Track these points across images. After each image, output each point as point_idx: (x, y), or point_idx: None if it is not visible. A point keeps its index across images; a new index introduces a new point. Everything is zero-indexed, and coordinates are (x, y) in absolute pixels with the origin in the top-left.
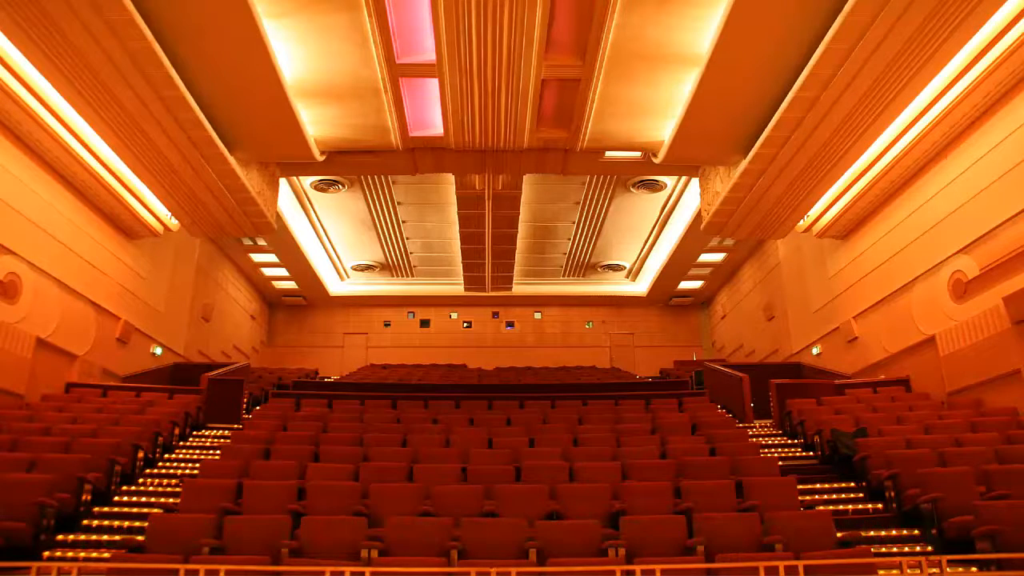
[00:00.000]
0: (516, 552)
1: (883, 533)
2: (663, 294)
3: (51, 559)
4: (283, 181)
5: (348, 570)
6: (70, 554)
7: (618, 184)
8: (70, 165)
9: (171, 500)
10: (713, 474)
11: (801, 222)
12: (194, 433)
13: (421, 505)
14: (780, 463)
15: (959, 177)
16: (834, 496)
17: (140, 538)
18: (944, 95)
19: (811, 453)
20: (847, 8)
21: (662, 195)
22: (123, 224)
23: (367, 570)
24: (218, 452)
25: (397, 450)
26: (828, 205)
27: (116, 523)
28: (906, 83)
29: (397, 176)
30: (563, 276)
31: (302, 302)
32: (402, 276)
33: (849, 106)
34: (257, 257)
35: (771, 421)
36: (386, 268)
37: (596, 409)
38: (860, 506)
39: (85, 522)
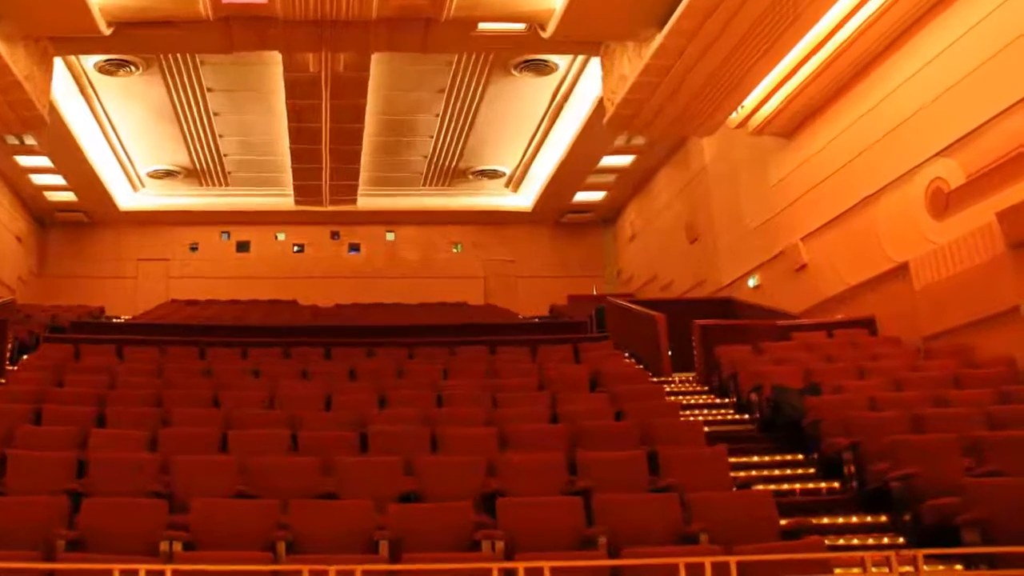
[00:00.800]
0: (362, 545)
1: (841, 520)
2: (554, 209)
3: None
4: (59, 61)
5: (143, 568)
6: None
7: (496, 66)
8: None
9: None
10: (619, 444)
11: (733, 115)
12: None
13: (238, 483)
14: (706, 429)
15: (938, 57)
16: (777, 472)
17: None
18: None
19: (747, 416)
20: None
21: (552, 79)
22: None
23: (168, 568)
24: None
25: (207, 412)
26: (769, 93)
27: None
28: None
29: (207, 55)
30: (424, 186)
31: (83, 219)
32: (213, 185)
33: None
34: (24, 160)
35: (695, 374)
36: (192, 175)
37: (467, 358)
38: (811, 485)
39: None
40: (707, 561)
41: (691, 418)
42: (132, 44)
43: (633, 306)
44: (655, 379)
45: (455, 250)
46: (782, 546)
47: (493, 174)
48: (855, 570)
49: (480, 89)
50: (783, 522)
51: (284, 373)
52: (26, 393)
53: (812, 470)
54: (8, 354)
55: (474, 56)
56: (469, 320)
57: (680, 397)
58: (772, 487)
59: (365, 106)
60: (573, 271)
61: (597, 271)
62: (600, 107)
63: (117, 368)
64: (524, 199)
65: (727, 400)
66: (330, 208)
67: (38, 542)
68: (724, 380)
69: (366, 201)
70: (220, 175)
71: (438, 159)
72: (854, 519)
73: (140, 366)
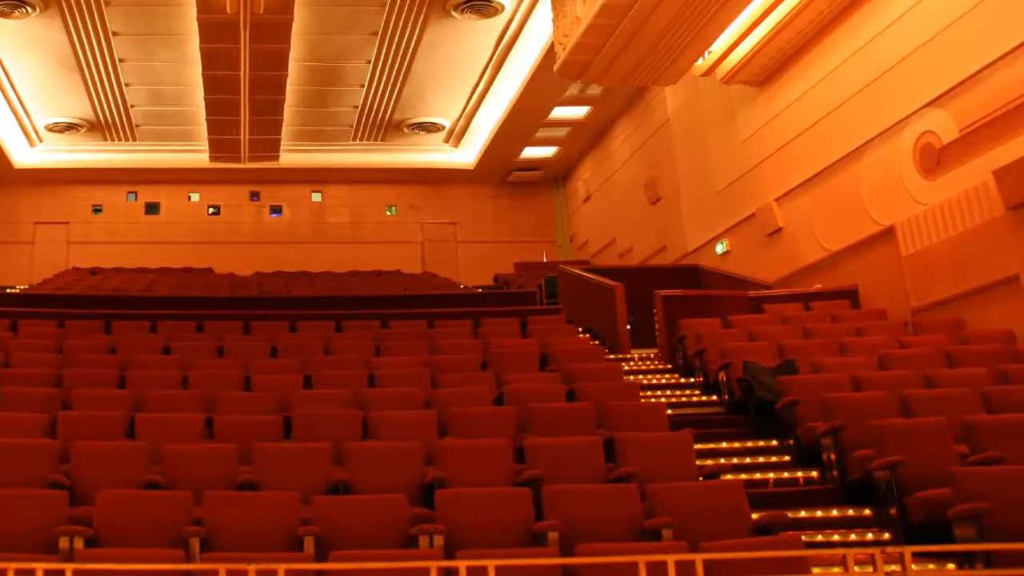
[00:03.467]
0: (285, 541)
1: (819, 514)
2: (499, 166)
3: None
4: None
5: (40, 567)
6: None
7: (434, 6)
8: None
9: None
10: (572, 428)
11: (699, 61)
12: None
13: (147, 473)
14: (670, 412)
15: None
16: (748, 460)
17: None
18: None
19: (715, 397)
20: None
21: (498, 21)
22: None
23: (68, 567)
24: None
25: (112, 393)
26: (738, 38)
27: None
28: None
29: None
30: (354, 140)
31: None
32: (119, 140)
33: None
34: None
35: (657, 351)
36: (96, 128)
37: (402, 333)
38: (786, 474)
39: None
40: (670, 559)
41: (653, 400)
42: None
43: (588, 275)
44: (612, 356)
45: (389, 212)
46: (754, 542)
47: (431, 127)
48: (836, 569)
49: (417, 33)
50: (755, 516)
51: (198, 350)
52: None
53: (787, 458)
54: None
55: None
56: (404, 291)
57: (640, 376)
58: (743, 476)
59: (288, 52)
60: (521, 235)
61: (547, 236)
62: (551, 52)
63: (11, 344)
64: (466, 155)
65: (692, 380)
66: (249, 165)
67: None
68: (689, 358)
69: (289, 157)
70: (127, 129)
71: (370, 111)
72: (835, 512)
73: (37, 341)
